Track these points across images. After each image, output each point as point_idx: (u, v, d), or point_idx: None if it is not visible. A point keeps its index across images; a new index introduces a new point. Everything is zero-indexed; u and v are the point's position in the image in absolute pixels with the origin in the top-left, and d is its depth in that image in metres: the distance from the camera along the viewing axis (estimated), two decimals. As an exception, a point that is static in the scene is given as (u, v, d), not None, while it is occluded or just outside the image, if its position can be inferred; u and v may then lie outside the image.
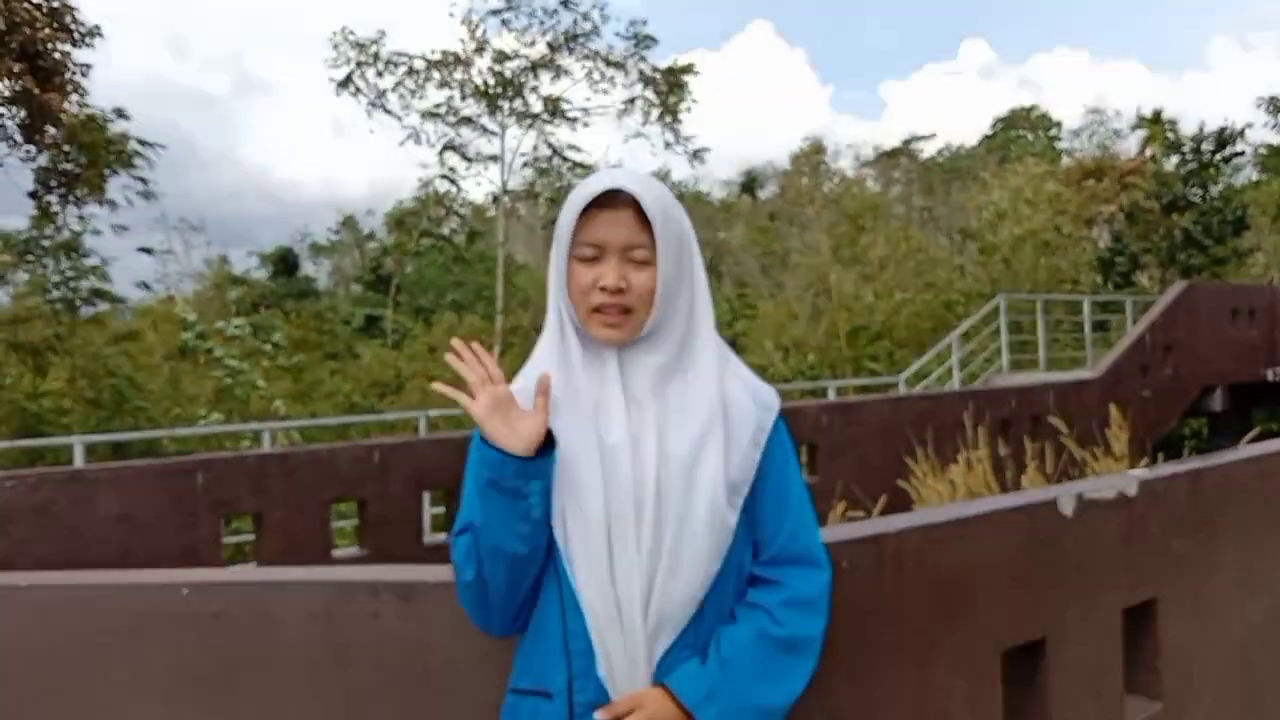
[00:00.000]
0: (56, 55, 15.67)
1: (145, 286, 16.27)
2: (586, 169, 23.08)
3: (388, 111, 21.17)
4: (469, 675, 1.93)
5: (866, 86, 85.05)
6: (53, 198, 15.65)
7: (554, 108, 21.41)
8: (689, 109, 21.86)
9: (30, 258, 15.09)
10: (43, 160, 15.57)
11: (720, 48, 79.06)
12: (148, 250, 16.50)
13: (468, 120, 21.61)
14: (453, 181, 22.73)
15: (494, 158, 22.15)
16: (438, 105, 21.20)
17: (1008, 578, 2.45)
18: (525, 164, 22.26)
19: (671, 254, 1.66)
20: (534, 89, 21.16)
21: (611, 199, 1.64)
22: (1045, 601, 2.52)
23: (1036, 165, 25.37)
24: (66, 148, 15.03)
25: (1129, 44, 79.24)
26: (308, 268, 39.13)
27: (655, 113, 21.75)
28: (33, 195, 15.80)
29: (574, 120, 21.85)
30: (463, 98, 21.11)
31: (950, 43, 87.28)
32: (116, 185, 16.82)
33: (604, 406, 1.65)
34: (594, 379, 1.68)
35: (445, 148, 21.82)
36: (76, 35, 16.09)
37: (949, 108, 70.60)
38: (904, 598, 2.23)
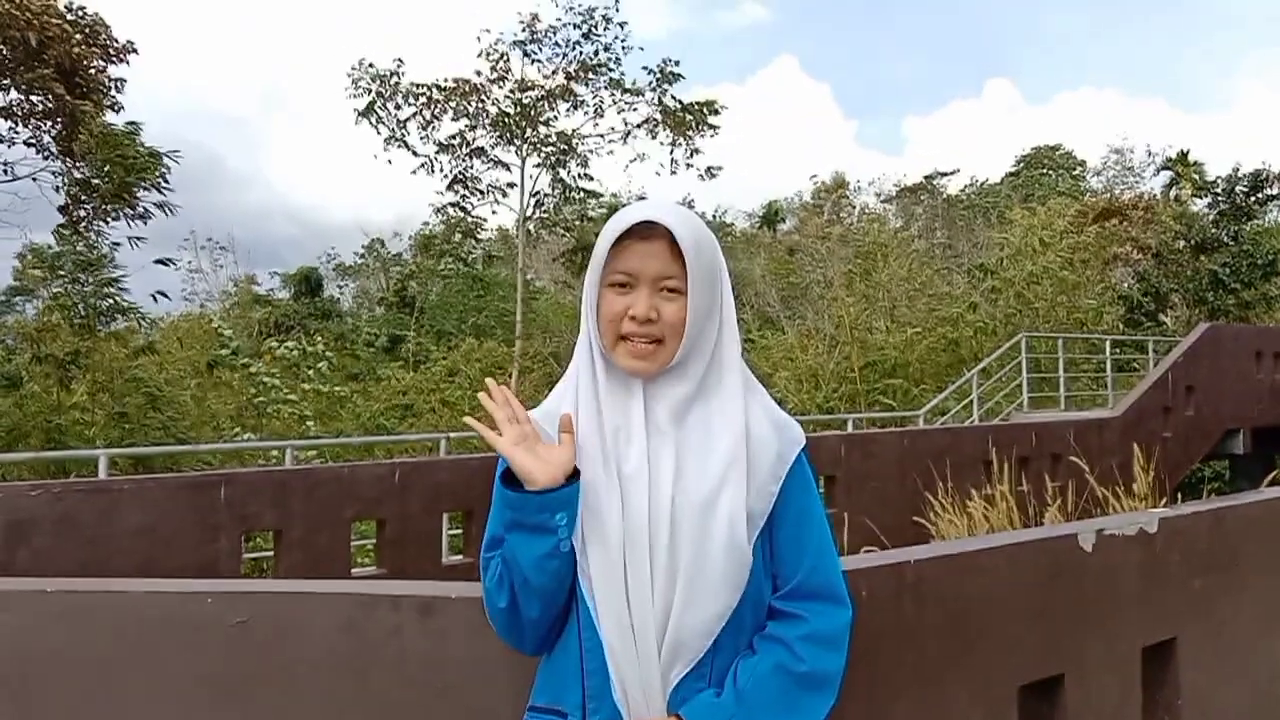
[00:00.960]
0: (92, 71, 15.92)
1: (163, 295, 16.26)
2: (599, 197, 23.01)
3: (405, 145, 21.20)
4: (488, 690, 1.94)
5: (890, 122, 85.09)
6: (83, 211, 15.84)
7: (568, 144, 21.37)
8: (709, 133, 21.69)
9: (62, 273, 15.24)
10: (76, 174, 15.76)
11: (745, 81, 79.41)
12: (165, 262, 16.45)
13: (481, 151, 21.58)
14: (465, 211, 22.71)
15: (511, 185, 22.18)
16: (451, 137, 21.20)
17: (1026, 612, 2.44)
18: (538, 202, 22.20)
19: (703, 286, 1.68)
20: (549, 120, 21.11)
21: (646, 229, 1.66)
22: (1064, 637, 2.50)
23: (1067, 205, 25.35)
24: (101, 162, 15.20)
25: (1155, 84, 78.93)
26: (332, 289, 39.41)
27: (666, 133, 21.58)
28: (63, 209, 15.99)
29: (584, 158, 21.79)
30: (472, 128, 21.09)
31: (975, 80, 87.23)
32: (143, 200, 16.98)
33: (624, 435, 1.67)
34: (617, 407, 1.69)
35: (454, 181, 21.78)
36: (111, 50, 16.35)
37: (973, 145, 70.65)
38: (922, 628, 2.23)
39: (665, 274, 1.66)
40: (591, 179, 22.31)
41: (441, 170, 21.62)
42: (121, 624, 2.11)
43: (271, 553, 6.86)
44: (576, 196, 22.22)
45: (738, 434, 1.67)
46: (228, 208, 59.98)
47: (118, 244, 16.12)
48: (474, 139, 21.35)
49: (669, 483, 1.62)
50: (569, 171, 21.85)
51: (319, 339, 22.75)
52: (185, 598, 2.09)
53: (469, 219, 23.27)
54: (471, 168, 21.78)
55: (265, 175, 68.30)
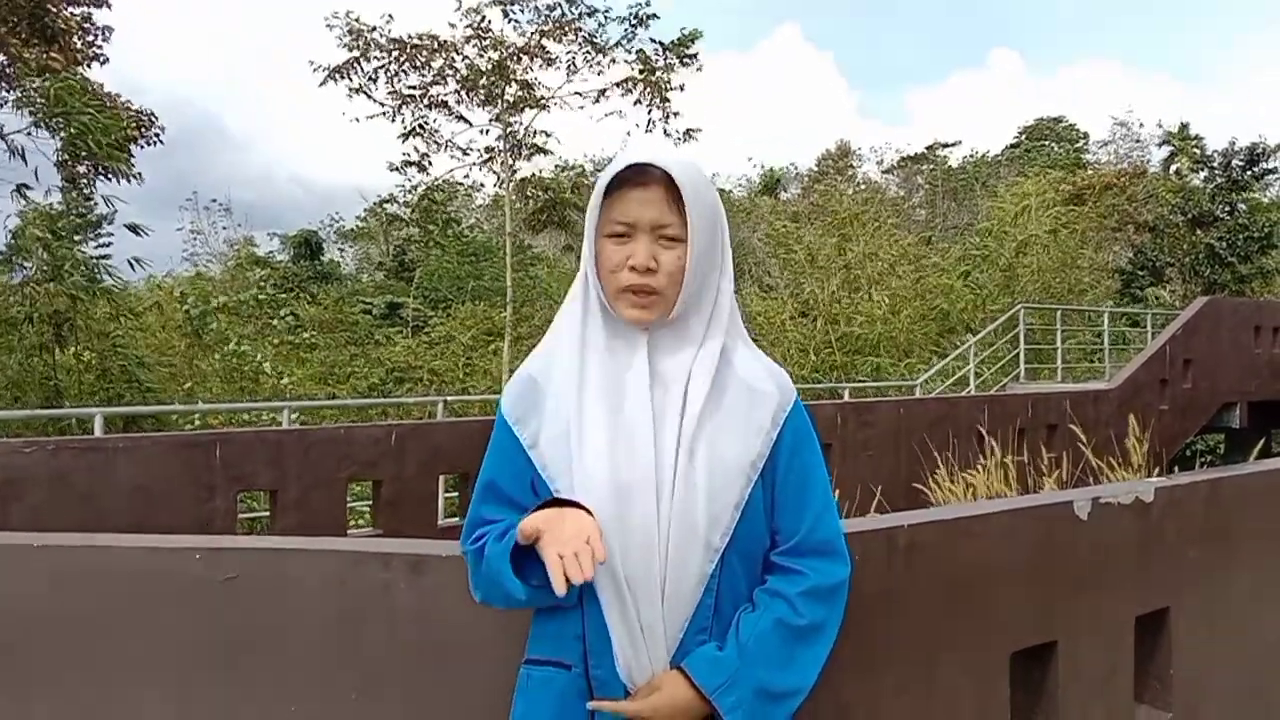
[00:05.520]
0: (61, 17, 15.56)
1: (138, 262, 16.02)
2: (547, 153, 22.29)
3: (369, 97, 20.51)
4: (479, 647, 1.93)
5: (893, 93, 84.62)
6: (82, 168, 15.61)
7: (531, 95, 20.68)
8: (682, 86, 21.01)
9: (59, 233, 15.04)
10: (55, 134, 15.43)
11: (748, 50, 78.85)
12: (135, 229, 16.14)
13: (443, 104, 20.90)
14: (422, 168, 22.04)
15: (490, 150, 21.57)
16: (412, 87, 20.49)
17: (1020, 579, 2.43)
18: (490, 152, 21.40)
19: (703, 232, 1.65)
20: (522, 77, 20.45)
21: (643, 176, 1.63)
22: (1057, 605, 2.50)
23: (1061, 179, 25.28)
24: (66, 121, 14.90)
25: (1161, 58, 78.38)
26: (333, 252, 39.24)
27: (643, 92, 20.91)
28: (60, 165, 15.74)
29: (545, 106, 21.06)
30: (435, 83, 20.43)
31: (979, 51, 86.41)
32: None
33: (627, 385, 1.64)
34: (619, 359, 1.67)
35: (410, 133, 21.09)
36: None
37: (976, 116, 70.26)
38: (915, 593, 2.22)
39: (662, 221, 1.63)
40: (549, 134, 21.68)
41: (402, 121, 20.92)
42: (109, 579, 2.10)
43: (267, 513, 6.87)
44: (527, 150, 21.53)
45: (738, 381, 1.67)
46: (230, 170, 59.88)
47: (92, 201, 15.78)
48: (438, 94, 20.68)
49: (673, 431, 1.61)
50: (522, 121, 21.16)
51: (295, 296, 22.36)
52: (174, 554, 2.08)
53: (435, 182, 22.70)
54: (430, 120, 21.04)
55: (268, 138, 68.03)
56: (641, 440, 1.60)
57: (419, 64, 19.98)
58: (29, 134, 15.11)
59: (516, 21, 20.02)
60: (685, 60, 20.56)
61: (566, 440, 1.63)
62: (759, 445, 1.65)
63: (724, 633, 1.62)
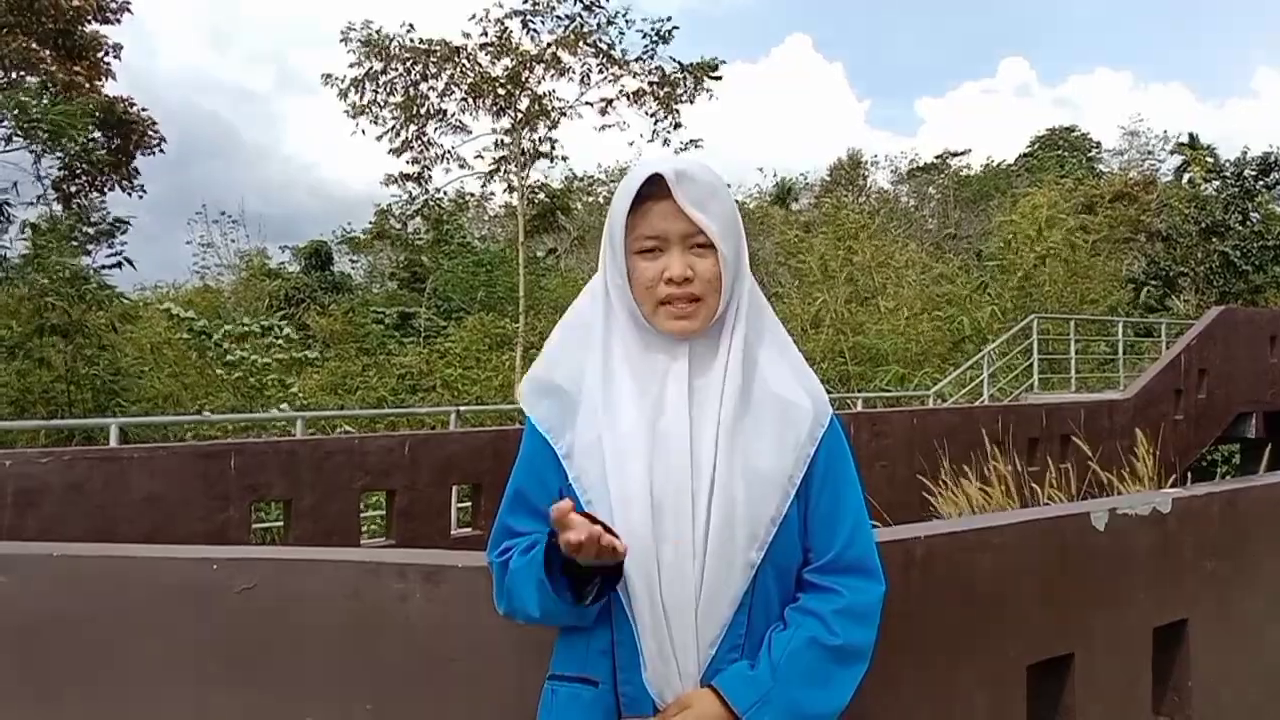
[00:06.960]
0: (85, 32, 15.70)
1: (129, 262, 15.91)
2: (549, 156, 22.11)
3: (374, 119, 20.30)
4: (495, 658, 1.93)
5: (903, 102, 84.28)
6: (75, 186, 15.68)
7: (542, 107, 20.58)
8: (706, 94, 20.91)
9: (73, 244, 15.08)
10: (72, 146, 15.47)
11: (758, 60, 78.87)
12: (118, 223, 16.06)
13: (441, 114, 20.72)
14: (420, 181, 21.85)
15: (506, 158, 21.44)
16: (412, 98, 20.27)
17: (1036, 590, 2.42)
18: (500, 162, 21.19)
19: (731, 235, 1.64)
20: (536, 88, 20.38)
21: (663, 188, 1.61)
22: (1074, 616, 2.49)
23: (1073, 187, 25.22)
24: (97, 134, 14.98)
25: (1172, 68, 77.89)
26: (344, 263, 39.24)
27: (651, 104, 20.86)
28: (56, 186, 15.78)
29: (556, 123, 20.98)
30: (444, 91, 20.31)
31: (989, 60, 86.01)
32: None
33: (665, 398, 1.62)
34: (658, 371, 1.64)
35: (404, 146, 20.88)
36: (109, 12, 16.20)
37: (986, 126, 69.98)
38: (931, 604, 2.21)
39: (692, 229, 1.61)
40: (555, 141, 21.60)
41: (402, 135, 20.72)
42: (126, 589, 2.10)
43: (280, 523, 6.88)
44: (530, 157, 21.39)
45: (775, 396, 1.64)
46: (244, 181, 60.07)
47: (86, 214, 15.73)
48: (436, 104, 20.55)
49: (710, 443, 1.58)
50: (535, 133, 21.08)
51: (306, 308, 22.23)
52: (191, 564, 2.09)
53: (434, 194, 22.61)
54: (428, 132, 20.88)
55: (283, 149, 68.02)
56: (678, 453, 1.58)
57: (431, 72, 19.97)
58: (31, 150, 15.16)
59: (535, 32, 20.03)
60: (705, 83, 20.58)
61: (600, 451, 1.60)
62: (795, 461, 1.62)
63: (756, 650, 1.58)
